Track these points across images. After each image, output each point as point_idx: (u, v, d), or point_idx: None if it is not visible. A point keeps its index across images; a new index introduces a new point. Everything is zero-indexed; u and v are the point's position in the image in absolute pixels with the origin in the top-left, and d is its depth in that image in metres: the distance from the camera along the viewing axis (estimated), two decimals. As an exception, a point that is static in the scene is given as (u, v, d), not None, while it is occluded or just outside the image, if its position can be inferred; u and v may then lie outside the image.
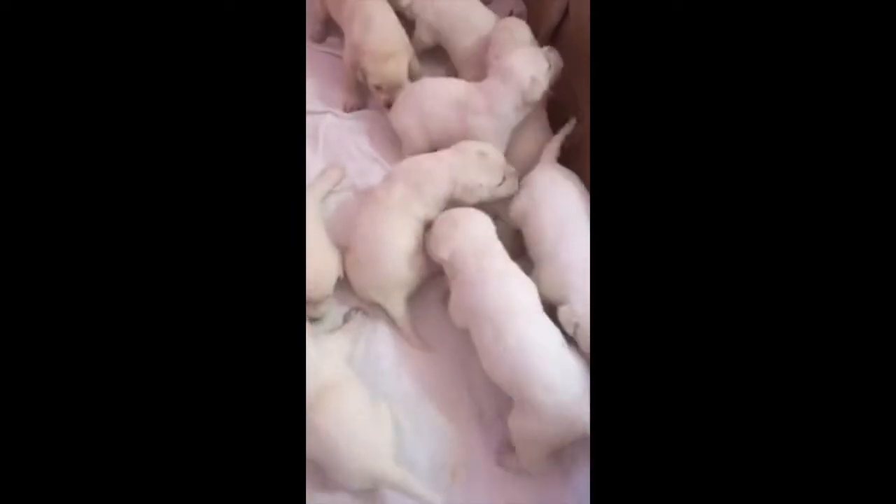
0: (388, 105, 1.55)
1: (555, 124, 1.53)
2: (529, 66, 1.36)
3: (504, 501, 1.17)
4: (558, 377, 1.07)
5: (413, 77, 1.58)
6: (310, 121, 1.64)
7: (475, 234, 1.22)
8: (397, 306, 1.32)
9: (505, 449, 1.20)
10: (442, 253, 1.21)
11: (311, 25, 1.80)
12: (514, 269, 1.20)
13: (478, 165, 1.32)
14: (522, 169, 1.40)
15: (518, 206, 1.32)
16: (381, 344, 1.33)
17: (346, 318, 1.35)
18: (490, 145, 1.36)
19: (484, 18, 1.62)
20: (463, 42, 1.62)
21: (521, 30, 1.52)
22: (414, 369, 1.31)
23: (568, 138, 1.44)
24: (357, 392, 1.16)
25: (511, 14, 1.74)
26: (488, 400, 1.26)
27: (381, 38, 1.52)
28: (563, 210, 1.26)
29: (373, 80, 1.53)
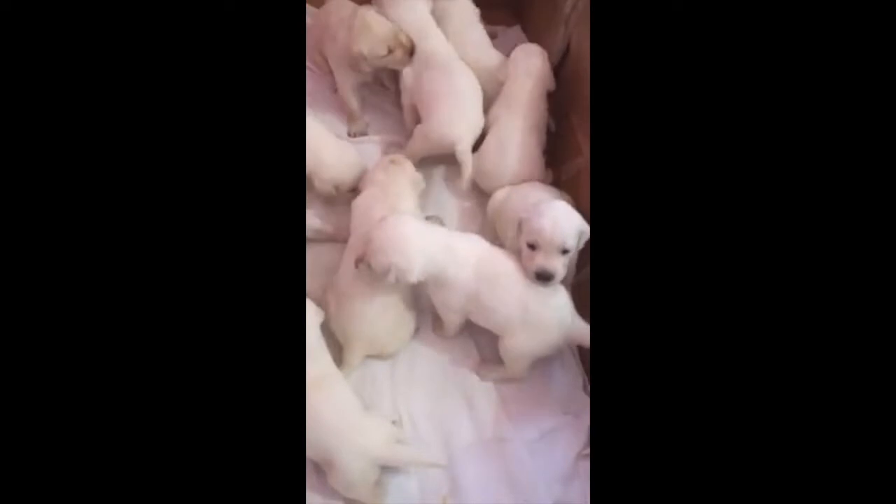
0: (411, 54, 1.52)
1: (554, 158, 1.59)
2: None
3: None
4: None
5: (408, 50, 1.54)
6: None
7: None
8: None
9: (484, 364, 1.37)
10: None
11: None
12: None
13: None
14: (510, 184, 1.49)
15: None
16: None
17: None
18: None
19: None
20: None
21: (537, 55, 1.56)
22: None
23: (567, 170, 1.50)
24: (344, 383, 1.19)
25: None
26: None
27: (357, 17, 1.52)
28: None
29: (374, 50, 1.50)
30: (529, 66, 1.53)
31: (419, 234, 1.22)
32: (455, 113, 1.50)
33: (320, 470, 1.17)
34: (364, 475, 1.12)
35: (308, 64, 1.79)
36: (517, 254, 1.25)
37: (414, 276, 1.20)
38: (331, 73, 1.70)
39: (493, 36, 1.88)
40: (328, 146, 1.46)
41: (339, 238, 1.43)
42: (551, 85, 1.55)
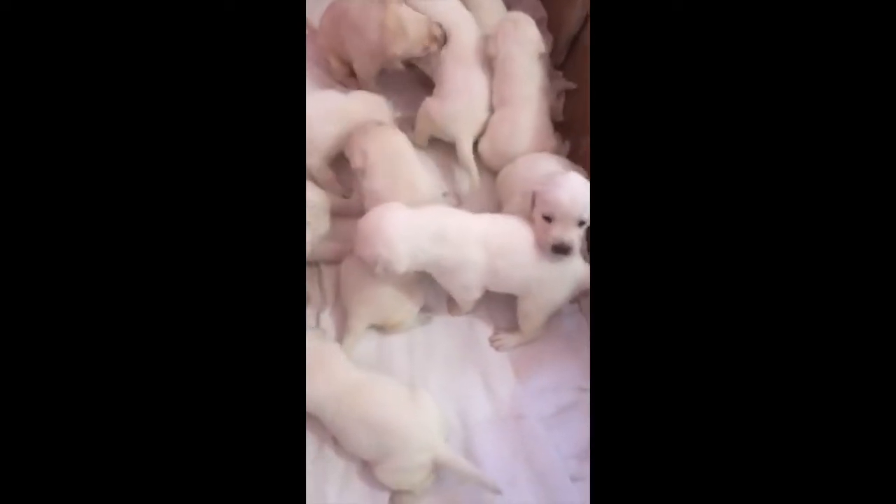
0: (445, 42, 1.52)
1: (570, 130, 1.56)
2: None
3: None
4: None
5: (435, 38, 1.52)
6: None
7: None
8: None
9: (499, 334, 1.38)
10: None
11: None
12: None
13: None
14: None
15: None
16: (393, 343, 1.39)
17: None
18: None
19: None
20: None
21: (525, 23, 1.52)
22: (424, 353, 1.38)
23: (584, 144, 1.48)
24: (390, 381, 1.21)
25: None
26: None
27: (390, 16, 1.49)
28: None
29: (410, 52, 1.49)
30: (518, 35, 1.49)
31: (405, 225, 1.18)
32: (462, 110, 1.51)
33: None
34: (422, 461, 1.14)
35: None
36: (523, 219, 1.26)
37: (401, 268, 1.19)
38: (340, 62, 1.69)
39: (508, 7, 1.85)
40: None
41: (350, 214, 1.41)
42: (542, 48, 1.50)
